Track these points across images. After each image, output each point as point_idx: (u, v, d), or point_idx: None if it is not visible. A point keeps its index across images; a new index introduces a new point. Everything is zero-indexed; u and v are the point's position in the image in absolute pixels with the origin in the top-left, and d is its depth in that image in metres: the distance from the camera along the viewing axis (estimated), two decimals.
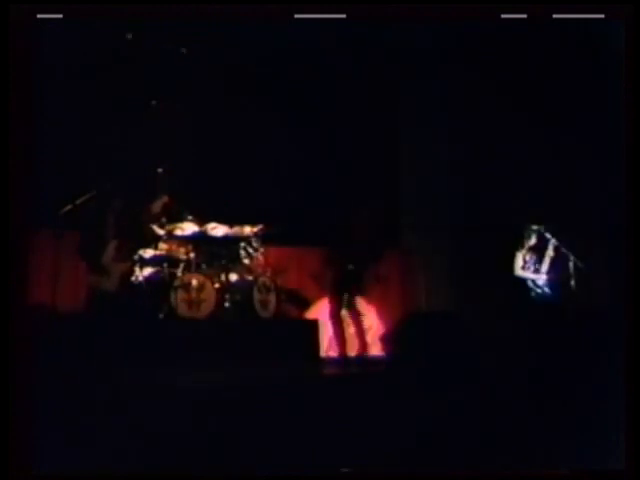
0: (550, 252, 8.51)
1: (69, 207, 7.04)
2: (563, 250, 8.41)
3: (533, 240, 8.63)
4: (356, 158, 9.61)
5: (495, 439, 4.22)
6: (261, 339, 7.28)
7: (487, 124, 9.81)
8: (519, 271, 8.59)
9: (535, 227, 8.59)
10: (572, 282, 8.35)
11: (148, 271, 7.39)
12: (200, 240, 7.75)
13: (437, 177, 10.17)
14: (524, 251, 8.62)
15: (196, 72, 8.88)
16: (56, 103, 7.22)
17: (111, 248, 7.23)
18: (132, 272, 7.29)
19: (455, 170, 10.06)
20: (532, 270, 8.59)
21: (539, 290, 8.57)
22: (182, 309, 7.19)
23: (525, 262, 8.61)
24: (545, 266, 8.56)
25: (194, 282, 7.29)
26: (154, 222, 7.59)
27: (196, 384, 5.39)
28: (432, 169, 10.19)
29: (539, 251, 8.60)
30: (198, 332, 7.05)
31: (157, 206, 7.72)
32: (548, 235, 8.48)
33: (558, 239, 8.46)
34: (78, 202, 7.08)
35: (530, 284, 8.59)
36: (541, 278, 8.55)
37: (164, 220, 7.64)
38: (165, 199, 7.76)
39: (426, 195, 10.12)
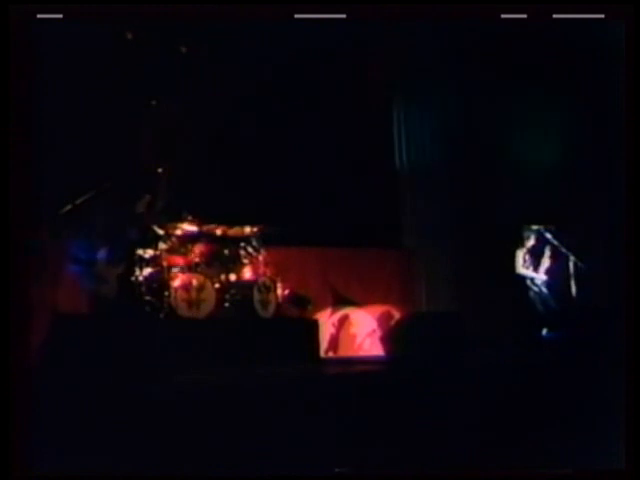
0: (548, 253, 8.52)
1: (69, 207, 7.03)
2: (562, 250, 8.42)
3: (532, 240, 8.64)
4: (356, 158, 9.61)
5: (495, 439, 4.22)
6: (261, 339, 7.28)
7: (487, 124, 9.81)
8: (521, 269, 8.60)
9: (535, 227, 8.59)
10: (572, 282, 8.36)
11: (148, 271, 7.38)
12: (200, 240, 7.74)
13: (437, 177, 10.16)
14: (525, 249, 8.63)
15: (196, 72, 8.87)
16: (56, 103, 7.22)
17: (102, 252, 7.20)
18: (129, 273, 7.28)
19: (455, 170, 10.05)
20: (532, 269, 8.60)
21: (536, 289, 8.58)
22: (182, 309, 7.19)
23: (525, 260, 8.62)
24: (543, 267, 8.57)
25: (194, 282, 7.29)
26: (141, 221, 7.54)
27: (196, 384, 5.39)
28: (432, 169, 10.19)
29: (538, 251, 8.62)
30: (198, 332, 7.05)
31: (141, 206, 7.67)
32: (547, 236, 8.49)
33: (557, 240, 8.46)
34: (78, 202, 7.07)
35: (529, 283, 8.59)
36: (539, 278, 8.56)
37: (153, 218, 7.60)
38: (148, 198, 7.70)
39: (426, 195, 10.12)
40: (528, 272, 8.61)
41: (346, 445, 4.09)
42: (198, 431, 4.07)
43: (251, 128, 9.00)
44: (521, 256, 8.64)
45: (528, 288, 8.62)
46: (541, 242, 8.61)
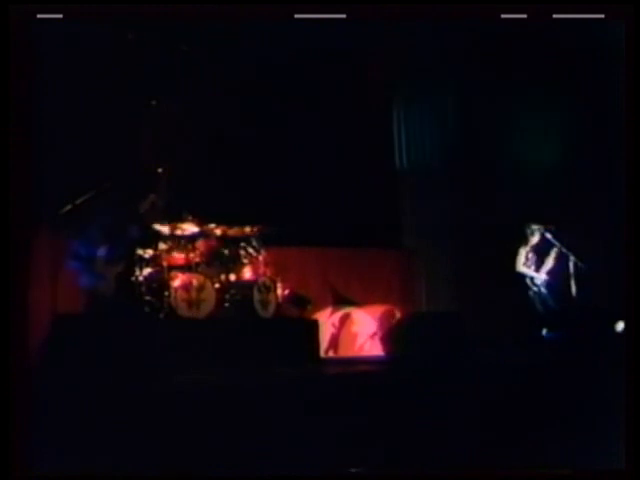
0: (553, 255, 8.48)
1: (69, 207, 7.03)
2: (563, 251, 8.41)
3: (536, 239, 8.60)
4: (356, 158, 9.61)
5: (495, 439, 4.22)
6: (261, 339, 7.28)
7: (487, 124, 9.81)
8: (521, 267, 8.56)
9: (537, 226, 8.57)
10: (572, 282, 8.35)
11: (148, 271, 7.38)
12: (200, 240, 7.74)
13: (437, 177, 10.16)
14: (527, 248, 8.60)
15: (196, 72, 8.88)
16: (56, 103, 7.22)
17: (102, 250, 7.19)
18: (129, 273, 7.27)
19: (455, 170, 10.06)
20: (533, 269, 8.57)
21: (536, 289, 8.54)
22: (182, 309, 7.19)
23: (527, 259, 8.58)
24: (546, 267, 8.54)
25: (194, 282, 7.28)
26: (146, 221, 7.54)
27: (196, 384, 5.39)
28: (432, 169, 10.19)
29: (542, 251, 8.58)
30: (198, 332, 7.05)
31: (145, 205, 7.65)
32: (552, 236, 8.45)
33: (557, 240, 8.45)
34: (78, 202, 7.07)
35: (528, 282, 8.56)
36: (540, 277, 8.53)
37: (155, 218, 7.59)
38: (152, 197, 7.70)
39: (426, 195, 10.12)
40: (529, 271, 8.58)
41: (346, 445, 4.09)
42: (198, 431, 4.07)
43: (251, 128, 9.00)
44: (523, 254, 8.59)
45: (528, 287, 8.60)
46: (544, 243, 8.58)
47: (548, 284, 8.57)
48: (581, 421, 4.37)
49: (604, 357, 5.65)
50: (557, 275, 8.56)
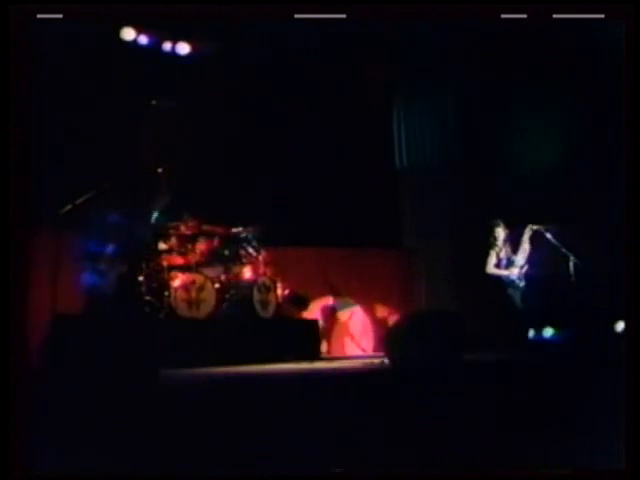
0: (522, 249, 8.33)
1: (69, 207, 7.03)
2: (563, 251, 8.35)
3: (502, 237, 8.44)
4: (356, 158, 9.62)
5: (495, 439, 4.22)
6: (261, 339, 7.28)
7: (487, 124, 9.81)
8: (492, 269, 8.41)
9: (501, 225, 8.44)
10: (571, 281, 8.32)
11: (148, 271, 7.39)
12: (200, 240, 7.75)
13: (437, 177, 10.16)
14: (496, 249, 8.45)
15: (195, 72, 8.88)
16: (56, 103, 7.22)
17: (101, 250, 7.20)
18: (128, 272, 7.28)
19: (455, 170, 10.06)
20: (505, 266, 8.38)
21: (515, 286, 8.37)
22: (182, 309, 7.19)
23: (499, 260, 8.43)
24: (518, 262, 8.35)
25: (194, 282, 7.30)
26: (147, 222, 7.55)
27: (195, 384, 5.39)
28: (432, 169, 10.19)
29: (511, 247, 8.44)
30: (198, 332, 7.05)
31: (159, 204, 7.67)
32: (548, 235, 8.38)
33: (557, 239, 8.38)
34: (78, 202, 7.08)
35: (507, 280, 8.38)
36: (513, 273, 8.35)
37: (162, 218, 7.61)
38: (167, 198, 7.71)
39: (426, 195, 10.12)
40: (502, 272, 8.40)
41: (346, 445, 4.08)
42: (198, 431, 4.07)
43: (251, 128, 9.01)
44: (494, 255, 8.43)
45: (508, 287, 8.43)
46: (512, 237, 8.45)
47: (524, 278, 8.37)
48: (581, 421, 4.37)
49: (604, 357, 5.65)
50: (533, 268, 8.39)
